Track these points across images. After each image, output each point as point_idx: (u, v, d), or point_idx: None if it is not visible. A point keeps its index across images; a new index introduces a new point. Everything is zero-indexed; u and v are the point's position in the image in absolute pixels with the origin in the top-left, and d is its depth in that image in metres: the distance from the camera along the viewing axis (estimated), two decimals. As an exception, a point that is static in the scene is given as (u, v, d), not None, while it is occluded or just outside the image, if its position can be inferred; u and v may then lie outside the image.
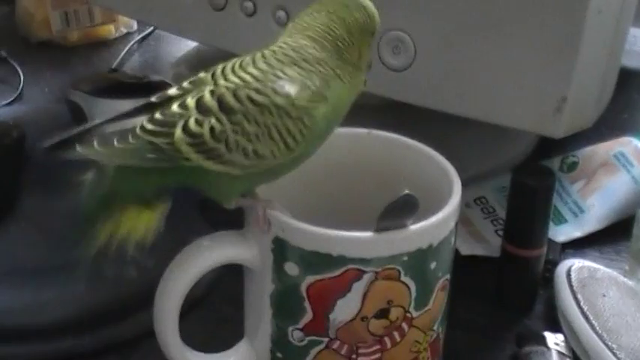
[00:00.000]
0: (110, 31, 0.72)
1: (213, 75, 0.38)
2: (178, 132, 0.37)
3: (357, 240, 0.38)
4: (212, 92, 0.37)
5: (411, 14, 0.47)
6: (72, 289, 0.47)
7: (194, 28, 0.54)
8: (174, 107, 0.37)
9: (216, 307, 0.48)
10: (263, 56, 0.38)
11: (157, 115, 0.38)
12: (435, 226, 0.39)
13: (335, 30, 0.38)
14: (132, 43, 0.72)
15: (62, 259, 0.48)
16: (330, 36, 0.38)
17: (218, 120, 0.37)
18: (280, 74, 0.37)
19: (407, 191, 0.37)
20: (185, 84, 0.39)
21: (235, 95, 0.37)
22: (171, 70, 0.68)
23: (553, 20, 0.44)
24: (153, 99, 0.39)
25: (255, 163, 0.37)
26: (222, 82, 0.37)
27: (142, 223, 0.39)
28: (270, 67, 0.37)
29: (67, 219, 0.51)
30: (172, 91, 0.39)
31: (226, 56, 0.39)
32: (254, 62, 0.38)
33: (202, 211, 0.53)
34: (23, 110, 0.64)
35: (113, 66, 0.68)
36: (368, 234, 0.38)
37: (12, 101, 0.65)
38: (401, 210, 0.37)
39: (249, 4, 0.51)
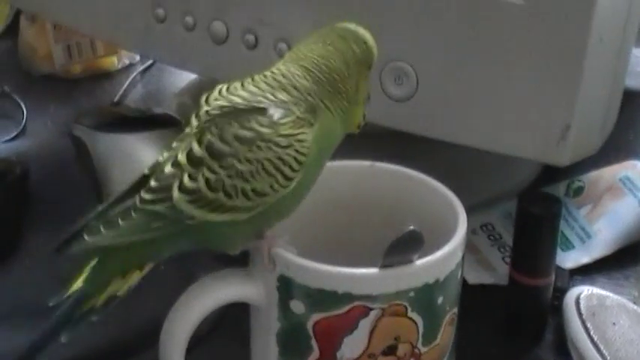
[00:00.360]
0: (113, 63, 0.72)
1: (197, 115, 0.38)
2: (176, 193, 0.37)
3: (362, 276, 0.37)
4: (199, 142, 0.37)
5: (413, 45, 0.47)
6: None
7: (195, 62, 0.54)
8: (168, 168, 0.37)
9: (221, 344, 0.47)
10: (252, 80, 0.38)
11: (153, 183, 0.37)
12: (441, 260, 0.38)
13: (331, 62, 0.38)
14: (134, 74, 0.72)
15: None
16: (327, 67, 0.38)
17: (210, 169, 0.36)
18: (269, 96, 0.37)
19: (412, 227, 0.37)
20: (174, 144, 0.38)
21: (222, 138, 0.36)
22: (175, 101, 0.68)
23: (555, 49, 0.44)
24: (145, 171, 0.39)
25: (259, 202, 0.37)
26: (207, 123, 0.37)
27: (129, 283, 0.39)
28: (259, 90, 0.37)
29: (72, 257, 0.52)
30: (164, 155, 0.38)
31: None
32: (243, 85, 0.38)
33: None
34: (26, 145, 0.64)
35: (116, 98, 0.68)
36: (373, 270, 0.37)
37: (15, 136, 0.65)
38: (406, 246, 0.37)
39: (251, 37, 0.51)
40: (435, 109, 0.48)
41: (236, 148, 0.36)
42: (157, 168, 0.38)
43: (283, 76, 0.38)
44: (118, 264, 0.39)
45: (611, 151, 0.57)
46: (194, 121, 0.38)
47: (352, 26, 0.39)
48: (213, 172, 0.36)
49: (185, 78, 0.69)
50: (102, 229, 0.38)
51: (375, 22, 0.47)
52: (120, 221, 0.38)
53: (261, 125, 0.36)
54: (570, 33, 0.44)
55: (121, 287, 0.39)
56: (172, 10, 0.53)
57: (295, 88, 0.37)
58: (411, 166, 0.44)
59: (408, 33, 0.47)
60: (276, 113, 0.37)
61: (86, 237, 0.38)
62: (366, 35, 0.39)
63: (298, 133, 0.37)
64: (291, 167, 0.37)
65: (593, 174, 0.57)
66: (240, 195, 0.37)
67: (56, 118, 0.67)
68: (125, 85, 0.70)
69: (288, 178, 0.37)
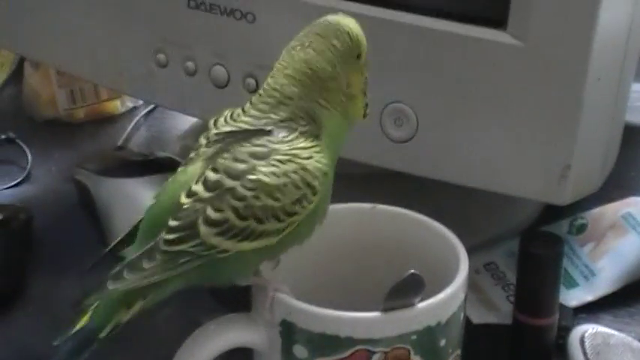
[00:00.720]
0: (116, 106, 0.73)
1: (206, 137, 0.39)
2: (202, 228, 0.36)
3: (364, 320, 0.38)
4: (214, 169, 0.37)
5: (413, 87, 0.48)
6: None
7: (197, 106, 0.55)
8: (183, 200, 0.37)
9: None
10: (251, 103, 0.38)
11: (173, 223, 0.37)
12: (442, 303, 0.39)
13: (314, 64, 0.38)
14: (137, 118, 0.72)
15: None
16: (310, 70, 0.38)
17: (235, 196, 0.36)
18: (272, 116, 0.37)
19: (412, 270, 0.37)
20: (180, 168, 0.39)
21: (236, 159, 0.37)
22: (178, 144, 0.68)
23: (553, 90, 0.45)
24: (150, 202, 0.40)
25: (288, 223, 0.37)
26: (217, 143, 0.38)
27: (133, 311, 0.40)
28: (261, 112, 0.38)
29: (75, 304, 0.52)
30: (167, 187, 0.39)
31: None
32: (244, 111, 0.38)
33: (211, 290, 0.53)
34: (31, 191, 0.64)
35: (119, 142, 0.68)
36: (375, 314, 0.38)
37: (19, 182, 0.65)
38: (407, 289, 0.37)
39: (252, 81, 0.52)
40: (435, 151, 0.48)
41: (253, 164, 0.36)
42: (164, 201, 0.38)
43: (274, 89, 0.38)
44: (125, 299, 0.39)
45: (613, 188, 0.57)
46: (202, 140, 0.39)
47: (333, 19, 0.39)
48: (239, 198, 0.36)
49: (188, 121, 0.69)
50: (125, 274, 0.37)
51: (375, 65, 0.48)
52: (144, 264, 0.37)
53: (273, 143, 0.37)
54: (568, 74, 0.44)
55: (125, 316, 0.39)
56: (173, 56, 0.54)
57: (289, 97, 0.38)
58: (412, 207, 0.44)
59: (407, 75, 0.48)
60: (281, 132, 0.37)
61: (110, 285, 0.38)
62: (350, 25, 0.38)
63: (312, 146, 0.37)
64: (317, 178, 0.37)
65: (596, 211, 0.57)
66: (270, 217, 0.36)
67: (60, 163, 0.68)
68: (128, 129, 0.71)
69: (315, 191, 0.37)
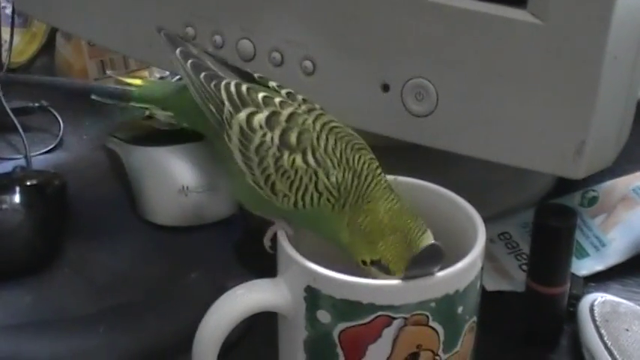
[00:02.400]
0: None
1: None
2: (238, 118, 0.41)
3: (385, 288, 0.39)
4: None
5: (433, 62, 0.49)
6: (114, 337, 0.48)
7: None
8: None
9: (253, 348, 0.49)
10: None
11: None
12: (461, 272, 0.40)
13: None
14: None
15: (105, 307, 0.50)
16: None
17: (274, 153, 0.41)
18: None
19: (433, 241, 0.39)
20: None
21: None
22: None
23: (570, 67, 0.46)
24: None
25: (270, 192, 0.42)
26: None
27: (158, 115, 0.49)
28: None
29: (109, 266, 0.54)
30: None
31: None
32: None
33: (239, 255, 0.54)
34: (63, 158, 0.66)
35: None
36: (396, 282, 0.39)
37: (52, 149, 0.67)
38: (428, 259, 0.39)
39: (277, 55, 0.53)
40: (455, 125, 0.49)
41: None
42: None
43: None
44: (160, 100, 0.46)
45: (624, 162, 0.58)
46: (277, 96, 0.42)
47: None
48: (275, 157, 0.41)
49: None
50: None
51: (397, 41, 0.49)
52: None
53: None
54: (586, 53, 0.45)
55: (155, 112, 0.48)
56: (201, 30, 0.55)
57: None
58: (430, 179, 0.45)
59: (428, 52, 0.49)
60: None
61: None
62: None
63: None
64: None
65: (607, 184, 0.59)
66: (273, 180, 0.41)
67: (91, 131, 0.69)
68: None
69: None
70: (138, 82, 0.49)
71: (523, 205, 0.58)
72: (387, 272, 0.39)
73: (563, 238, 0.48)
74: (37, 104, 0.70)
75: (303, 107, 0.42)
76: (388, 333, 0.39)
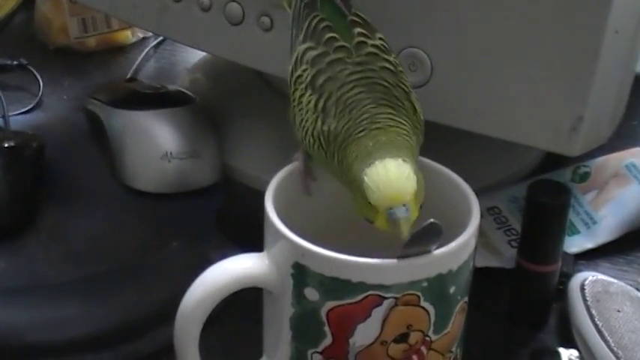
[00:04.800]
0: (127, 36, 0.73)
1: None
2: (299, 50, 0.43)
3: (377, 266, 0.38)
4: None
5: (428, 32, 0.48)
6: (91, 306, 0.47)
7: (210, 42, 0.55)
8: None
9: (234, 322, 0.48)
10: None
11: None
12: (455, 251, 0.39)
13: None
14: (147, 49, 0.72)
15: (82, 275, 0.49)
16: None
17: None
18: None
19: (432, 220, 0.37)
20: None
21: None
22: (187, 77, 0.68)
23: (570, 41, 0.45)
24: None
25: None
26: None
27: None
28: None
29: (87, 232, 0.52)
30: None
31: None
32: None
33: (221, 224, 0.53)
34: (42, 118, 0.64)
35: (130, 74, 0.68)
36: (387, 260, 0.38)
37: (31, 109, 0.65)
38: (426, 237, 0.38)
39: (267, 20, 0.52)
40: (449, 97, 0.49)
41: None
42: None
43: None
44: None
45: (617, 138, 0.57)
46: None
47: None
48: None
49: (197, 54, 0.69)
50: None
51: (389, 10, 0.48)
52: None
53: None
54: (586, 26, 0.44)
55: None
56: (189, -9, 0.54)
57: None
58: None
59: (422, 20, 0.48)
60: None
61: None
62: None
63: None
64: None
65: (599, 160, 0.58)
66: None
67: (71, 91, 0.68)
68: (138, 60, 0.71)
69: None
70: None
71: (512, 179, 0.58)
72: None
73: (556, 215, 0.47)
74: (15, 62, 0.68)
75: (358, 59, 0.41)
76: (378, 312, 0.39)
